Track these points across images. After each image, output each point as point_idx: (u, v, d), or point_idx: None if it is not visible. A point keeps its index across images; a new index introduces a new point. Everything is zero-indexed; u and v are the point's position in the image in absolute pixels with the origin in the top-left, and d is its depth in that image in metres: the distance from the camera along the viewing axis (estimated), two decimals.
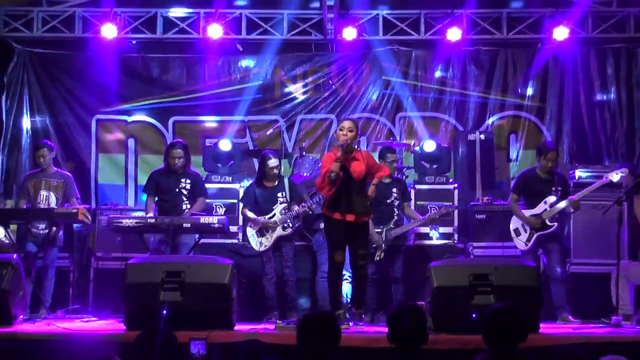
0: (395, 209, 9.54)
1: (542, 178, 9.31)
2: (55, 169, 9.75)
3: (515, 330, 4.99)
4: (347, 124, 8.07)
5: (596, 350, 6.07)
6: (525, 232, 9.29)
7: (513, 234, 9.43)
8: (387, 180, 9.51)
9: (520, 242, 9.35)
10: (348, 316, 8.25)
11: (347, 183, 7.92)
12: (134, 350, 4.98)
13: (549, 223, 9.14)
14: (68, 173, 9.93)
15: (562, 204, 9.10)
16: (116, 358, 5.40)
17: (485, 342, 5.03)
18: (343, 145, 7.85)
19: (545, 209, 9.14)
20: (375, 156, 9.32)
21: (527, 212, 9.27)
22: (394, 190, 9.55)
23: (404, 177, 10.55)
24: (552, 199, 9.14)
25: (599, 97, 12.35)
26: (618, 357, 4.82)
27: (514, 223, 9.43)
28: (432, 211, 9.99)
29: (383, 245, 9.35)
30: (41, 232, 9.27)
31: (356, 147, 8.18)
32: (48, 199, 9.41)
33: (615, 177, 9.10)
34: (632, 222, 9.32)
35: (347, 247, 8.10)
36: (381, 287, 9.55)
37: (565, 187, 9.35)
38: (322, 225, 9.40)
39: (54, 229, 9.27)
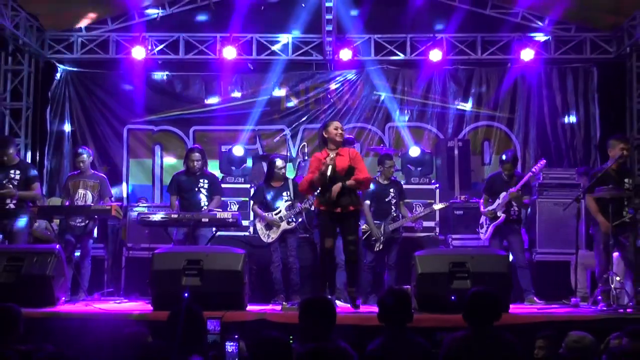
0: (393, 207, 9.50)
1: (504, 179, 9.32)
2: (92, 171, 9.72)
3: (492, 310, 4.98)
4: (340, 124, 7.93)
5: (558, 326, 6.03)
6: (486, 224, 9.34)
7: (479, 228, 9.48)
8: (386, 182, 9.56)
9: (482, 234, 9.42)
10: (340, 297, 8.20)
11: (332, 178, 7.65)
12: (165, 327, 4.98)
13: (498, 214, 9.15)
14: (103, 175, 9.90)
15: (507, 198, 9.11)
16: (148, 334, 5.38)
17: (465, 321, 5.02)
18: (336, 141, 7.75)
19: (498, 203, 9.16)
20: (368, 161, 9.28)
21: (488, 208, 9.28)
22: (392, 190, 9.52)
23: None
24: (503, 194, 9.15)
25: (560, 109, 12.37)
26: (584, 334, 4.79)
27: (481, 218, 9.50)
28: (418, 210, 9.97)
29: (382, 237, 9.33)
30: (78, 225, 9.24)
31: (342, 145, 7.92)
32: (85, 196, 9.38)
33: (537, 170, 9.28)
34: (588, 217, 9.29)
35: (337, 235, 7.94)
36: (376, 273, 9.53)
37: (525, 186, 9.30)
38: None
39: (90, 222, 9.27)
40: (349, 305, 7.78)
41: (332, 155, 7.63)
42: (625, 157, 8.44)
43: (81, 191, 9.39)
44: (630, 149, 8.56)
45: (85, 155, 9.57)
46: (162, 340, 5.20)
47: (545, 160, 9.36)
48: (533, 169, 9.32)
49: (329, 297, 7.65)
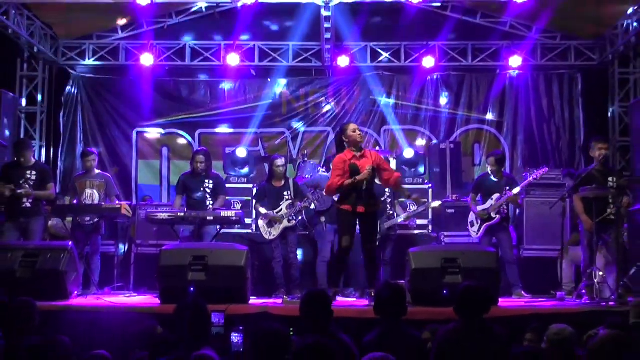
0: (388, 205, 9.51)
1: (494, 180, 9.31)
2: (98, 171, 9.72)
3: (481, 304, 4.99)
4: (355, 125, 7.85)
5: (544, 319, 6.05)
6: (477, 223, 9.31)
7: (469, 225, 9.47)
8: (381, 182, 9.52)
9: (473, 232, 9.39)
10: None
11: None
12: (172, 319, 4.99)
13: (493, 215, 9.14)
14: (108, 174, 9.92)
15: (502, 201, 9.11)
16: (158, 327, 5.39)
17: (456, 313, 5.02)
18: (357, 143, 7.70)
19: (492, 204, 9.15)
20: None
21: (479, 207, 9.28)
22: (387, 190, 9.52)
23: None
24: (496, 196, 9.14)
25: (546, 113, 12.36)
26: (565, 326, 4.80)
27: (470, 216, 9.46)
28: (411, 208, 9.97)
29: (378, 235, 9.32)
30: (87, 223, 9.24)
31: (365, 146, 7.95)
32: (92, 196, 9.38)
33: (538, 176, 9.25)
34: (573, 215, 9.32)
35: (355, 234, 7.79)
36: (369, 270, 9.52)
37: (513, 187, 9.31)
38: (322, 219, 9.40)
39: (98, 220, 9.26)
40: (348, 300, 7.79)
41: (357, 155, 7.62)
42: (604, 157, 8.45)
43: (88, 191, 9.40)
44: (609, 148, 8.58)
45: (93, 156, 9.59)
46: (169, 331, 5.22)
47: (547, 168, 9.37)
48: (535, 175, 9.27)
49: (334, 291, 7.69)
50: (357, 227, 7.78)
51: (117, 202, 9.31)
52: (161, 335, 5.21)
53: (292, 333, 5.16)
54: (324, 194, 8.50)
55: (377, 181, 7.80)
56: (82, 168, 9.88)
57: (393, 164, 10.89)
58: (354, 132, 7.71)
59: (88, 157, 9.56)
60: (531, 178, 9.30)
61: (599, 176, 8.31)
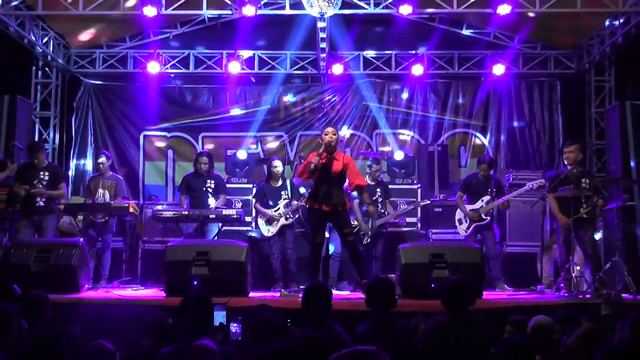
0: (379, 204, 9.50)
1: (481, 181, 9.31)
2: (111, 172, 9.73)
3: (467, 296, 5.00)
4: (330, 129, 7.79)
5: (526, 311, 6.05)
6: (466, 222, 9.31)
7: (457, 223, 9.45)
8: (373, 183, 9.54)
9: (462, 230, 9.37)
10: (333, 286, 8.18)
11: (326, 178, 7.63)
12: (177, 311, 4.99)
13: (483, 216, 9.15)
14: (119, 176, 9.92)
15: (495, 203, 9.11)
16: (169, 318, 5.39)
17: (443, 306, 5.03)
18: (328, 144, 7.61)
19: (482, 206, 9.16)
20: (358, 164, 9.26)
21: (468, 207, 9.28)
22: (378, 190, 9.52)
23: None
24: (486, 198, 9.15)
25: (527, 118, 12.38)
26: (546, 317, 4.81)
27: (458, 214, 9.45)
28: (401, 207, 9.97)
29: (369, 232, 9.34)
30: (99, 221, 9.24)
31: (338, 149, 7.84)
32: (104, 195, 9.38)
33: (535, 185, 9.16)
34: (552, 213, 9.34)
35: (326, 231, 7.88)
36: (364, 263, 9.53)
37: (500, 188, 9.34)
38: None
39: (110, 219, 9.27)
40: (341, 293, 7.78)
41: (321, 150, 7.59)
42: (576, 159, 8.44)
43: (100, 191, 9.41)
44: (580, 150, 8.59)
45: (104, 159, 9.59)
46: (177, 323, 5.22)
47: (543, 180, 9.23)
48: (531, 185, 9.20)
49: None
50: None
51: (125, 201, 9.31)
52: (170, 327, 5.21)
53: (289, 324, 5.17)
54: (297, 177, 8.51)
55: (370, 181, 7.81)
56: (96, 169, 9.85)
57: (384, 166, 10.89)
58: (326, 134, 7.70)
59: (101, 159, 9.59)
60: (527, 186, 9.23)
61: (574, 177, 8.33)
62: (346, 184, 7.97)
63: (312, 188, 7.83)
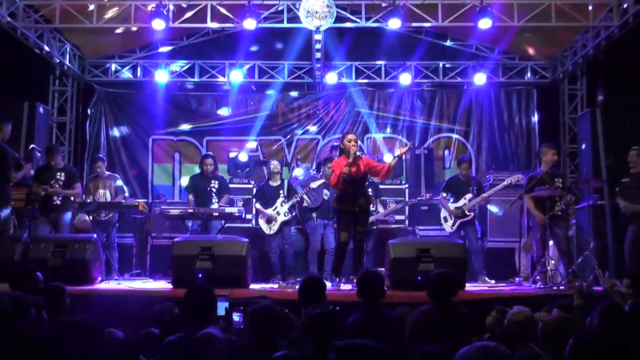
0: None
1: (462, 181, 9.31)
2: (108, 172, 9.68)
3: (451, 288, 5.00)
4: (353, 136, 7.68)
5: (505, 301, 6.06)
6: (451, 219, 9.28)
7: (442, 221, 9.43)
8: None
9: (447, 227, 9.33)
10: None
11: (351, 182, 7.55)
12: (183, 301, 4.98)
13: (467, 213, 9.14)
14: (116, 175, 9.86)
15: (476, 200, 9.12)
16: (175, 308, 5.38)
17: (429, 297, 5.02)
18: (357, 156, 7.54)
19: (465, 203, 9.16)
20: None
21: (452, 205, 9.25)
22: (369, 189, 9.49)
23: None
24: (469, 196, 9.15)
25: (506, 123, 12.42)
26: (523, 308, 4.81)
27: (443, 213, 9.42)
28: (390, 205, 9.97)
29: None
30: (103, 219, 9.24)
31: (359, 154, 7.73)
32: (105, 195, 9.36)
33: (512, 180, 9.16)
34: (529, 211, 9.36)
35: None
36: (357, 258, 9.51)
37: (479, 187, 9.33)
38: (313, 215, 9.41)
39: (112, 215, 9.26)
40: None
41: (350, 162, 7.48)
42: (555, 161, 8.48)
43: (101, 190, 9.38)
44: (558, 153, 8.64)
45: (101, 162, 9.57)
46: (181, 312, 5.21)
47: (521, 175, 9.17)
48: (510, 180, 9.17)
49: (338, 279, 7.68)
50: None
51: (127, 200, 9.29)
52: (177, 315, 5.20)
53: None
54: (331, 188, 8.40)
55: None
56: (93, 171, 9.81)
57: None
58: (349, 142, 7.58)
59: (98, 162, 9.58)
60: (507, 181, 9.25)
61: (548, 178, 8.35)
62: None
63: (340, 193, 7.67)
